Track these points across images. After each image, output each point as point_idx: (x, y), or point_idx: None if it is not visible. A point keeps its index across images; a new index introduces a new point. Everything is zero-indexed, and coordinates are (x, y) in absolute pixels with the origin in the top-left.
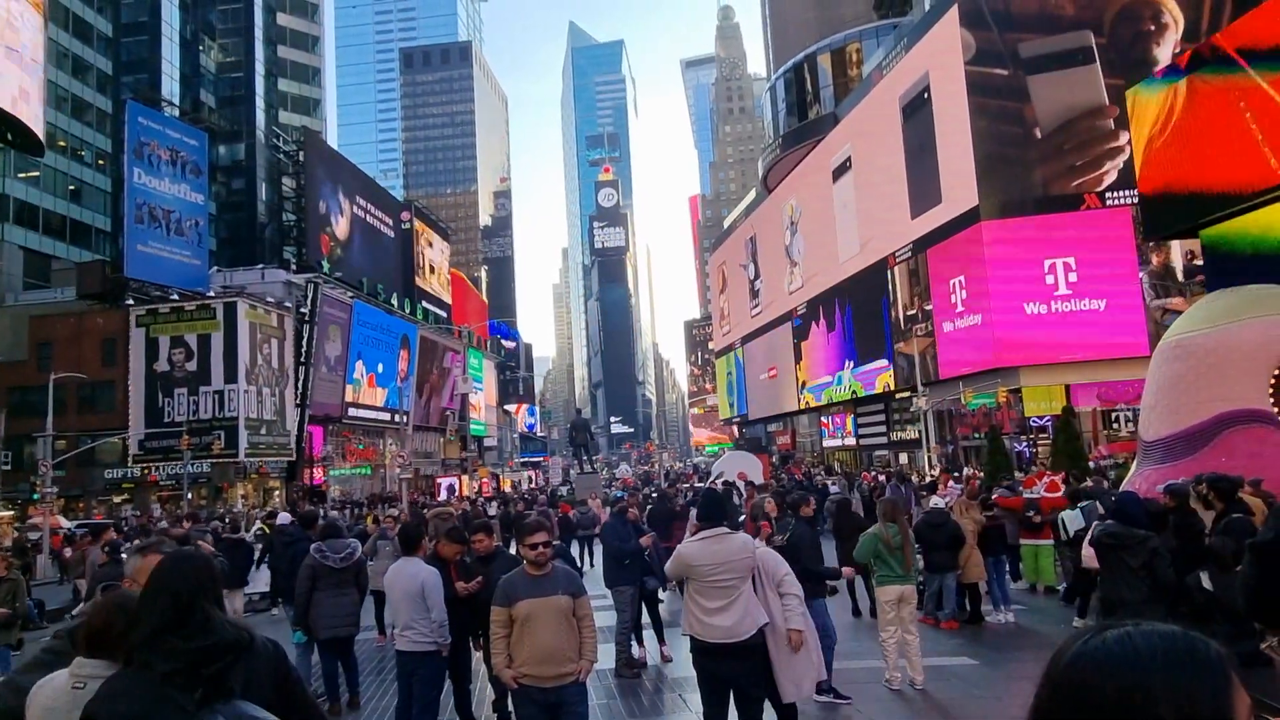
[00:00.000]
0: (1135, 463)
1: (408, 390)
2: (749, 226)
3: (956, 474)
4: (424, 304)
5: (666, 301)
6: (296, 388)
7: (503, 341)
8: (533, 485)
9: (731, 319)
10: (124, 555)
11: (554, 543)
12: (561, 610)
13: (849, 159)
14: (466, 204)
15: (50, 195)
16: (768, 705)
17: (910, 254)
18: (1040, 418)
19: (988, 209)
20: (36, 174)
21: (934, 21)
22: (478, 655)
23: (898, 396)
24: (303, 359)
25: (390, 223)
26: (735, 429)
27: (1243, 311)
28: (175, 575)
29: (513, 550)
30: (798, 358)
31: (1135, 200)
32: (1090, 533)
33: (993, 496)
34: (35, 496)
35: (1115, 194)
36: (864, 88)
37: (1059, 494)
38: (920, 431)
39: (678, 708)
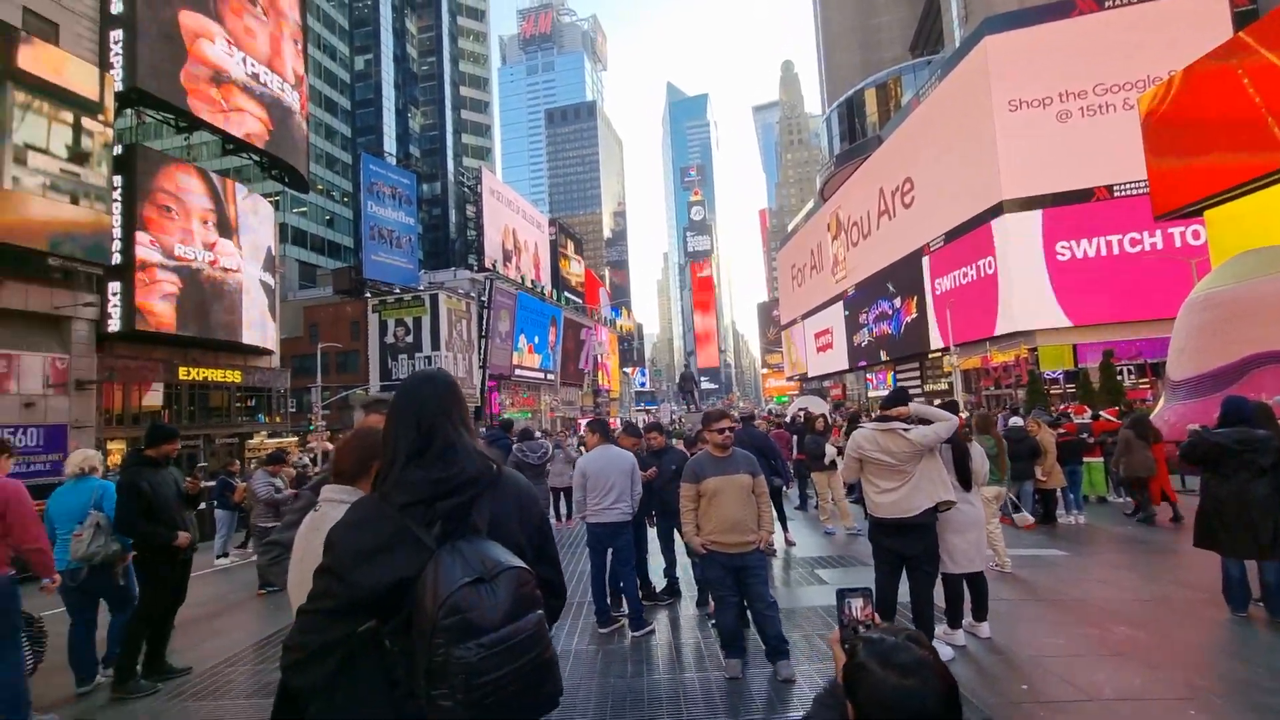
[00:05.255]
0: (1162, 399)
1: (555, 356)
2: (809, 228)
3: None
4: (566, 294)
5: (740, 289)
6: (479, 354)
7: (618, 323)
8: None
9: (795, 300)
10: None
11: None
12: (744, 487)
13: (892, 169)
14: (593, 222)
15: (314, 223)
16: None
17: (943, 242)
18: (1052, 371)
19: (1010, 205)
20: (305, 210)
21: (965, 53)
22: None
23: (930, 356)
24: (482, 333)
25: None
26: (799, 383)
27: (1268, 268)
28: (415, 398)
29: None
30: (852, 329)
31: (1142, 190)
32: (1191, 440)
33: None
34: (311, 428)
35: (1123, 187)
36: (903, 113)
37: (1115, 419)
38: (950, 384)
39: (809, 580)
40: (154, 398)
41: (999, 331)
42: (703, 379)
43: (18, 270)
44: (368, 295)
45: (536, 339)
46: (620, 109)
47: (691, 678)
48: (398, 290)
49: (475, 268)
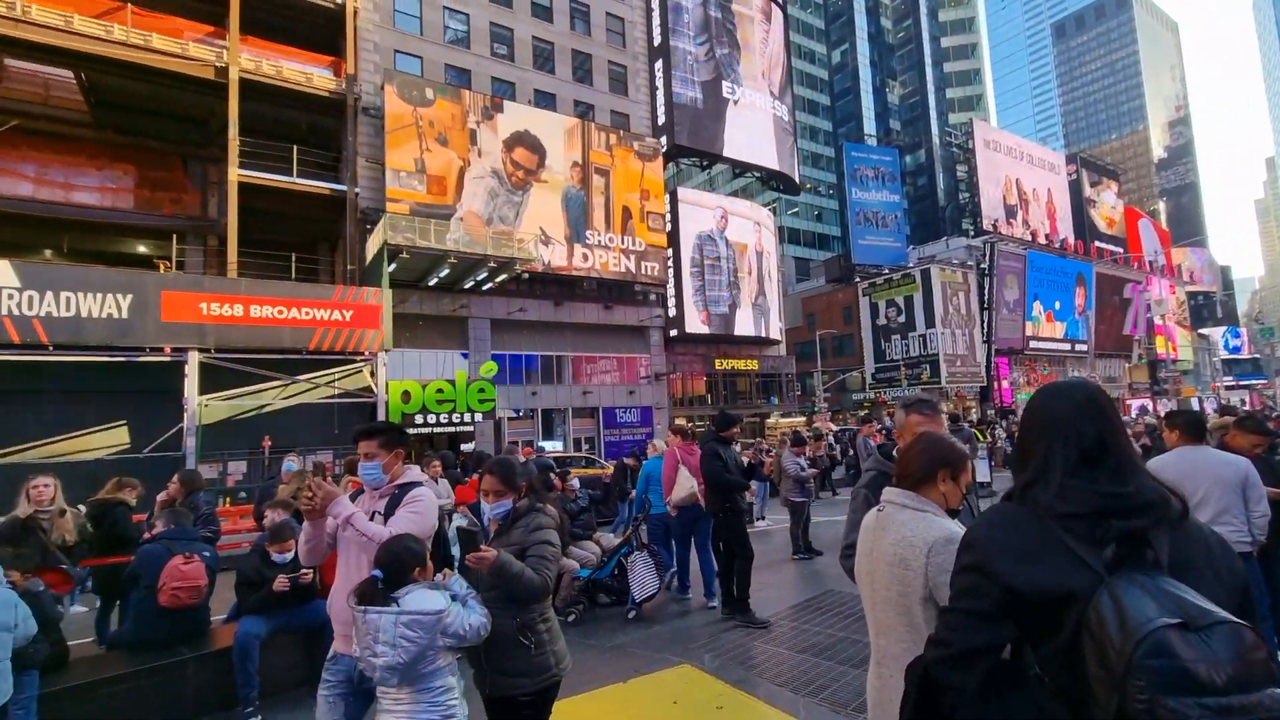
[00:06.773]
0: None
1: (1087, 322)
2: None
3: None
4: (1097, 243)
5: None
6: (983, 328)
7: (1185, 268)
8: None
9: None
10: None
11: None
12: None
13: None
14: (1135, 144)
15: (805, 221)
16: None
17: None
18: None
19: None
20: (797, 210)
21: None
22: None
23: None
24: (985, 305)
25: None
26: None
27: None
28: (1070, 405)
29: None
30: None
31: None
32: None
33: None
34: (815, 410)
35: None
36: None
37: None
38: None
39: None
40: (699, 385)
41: None
42: None
43: (620, 298)
44: (857, 280)
45: (1057, 304)
46: None
47: None
48: (886, 271)
49: (971, 233)
